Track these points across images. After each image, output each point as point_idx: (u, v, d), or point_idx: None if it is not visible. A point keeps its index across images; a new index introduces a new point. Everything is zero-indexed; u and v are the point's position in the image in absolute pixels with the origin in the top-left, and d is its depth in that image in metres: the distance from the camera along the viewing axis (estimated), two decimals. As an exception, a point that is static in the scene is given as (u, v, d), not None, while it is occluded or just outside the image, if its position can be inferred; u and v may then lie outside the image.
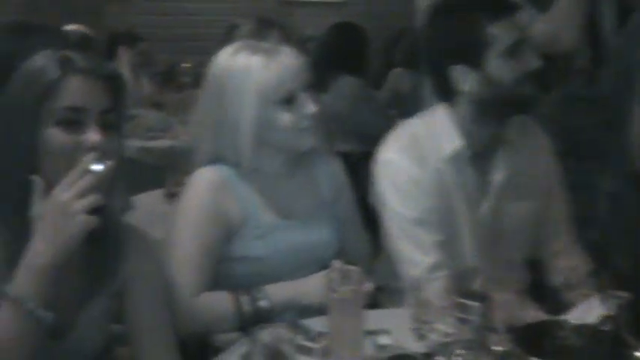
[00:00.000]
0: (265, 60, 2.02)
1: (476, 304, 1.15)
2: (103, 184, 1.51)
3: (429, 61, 2.22)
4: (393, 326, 1.86)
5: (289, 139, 2.07)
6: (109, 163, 1.51)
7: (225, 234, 2.06)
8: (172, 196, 3.22)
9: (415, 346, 1.74)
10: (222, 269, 2.07)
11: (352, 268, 1.75)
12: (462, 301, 1.16)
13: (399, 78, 5.36)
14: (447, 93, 2.19)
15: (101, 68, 1.61)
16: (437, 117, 2.23)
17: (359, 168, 4.39)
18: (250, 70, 2.01)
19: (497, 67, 2.06)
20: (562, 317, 1.68)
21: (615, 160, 3.04)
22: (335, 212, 2.25)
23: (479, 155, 2.20)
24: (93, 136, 1.54)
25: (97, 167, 1.49)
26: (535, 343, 1.48)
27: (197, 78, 5.48)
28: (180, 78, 5.97)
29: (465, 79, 2.10)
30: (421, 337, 1.75)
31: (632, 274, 2.62)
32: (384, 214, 2.20)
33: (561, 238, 2.35)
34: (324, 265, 1.99)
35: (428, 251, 2.12)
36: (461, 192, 2.19)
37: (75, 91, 1.56)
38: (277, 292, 1.98)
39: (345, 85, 4.48)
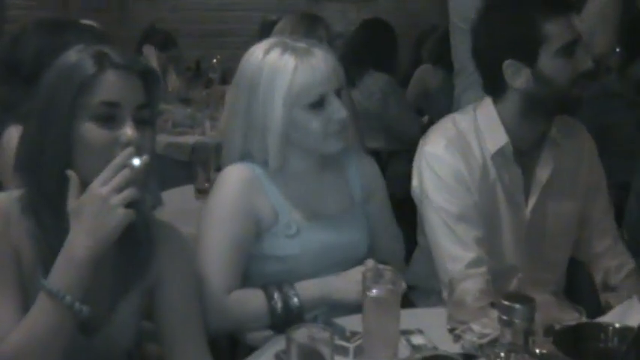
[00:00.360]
0: (298, 61, 1.98)
1: (520, 306, 1.11)
2: (139, 179, 1.51)
3: (481, 54, 2.18)
4: (428, 326, 1.85)
5: (317, 142, 2.03)
6: (145, 157, 1.51)
7: (256, 231, 2.04)
8: (202, 192, 3.25)
9: (450, 347, 1.72)
10: (253, 267, 2.06)
11: (386, 267, 1.74)
12: (506, 303, 1.12)
13: (427, 75, 5.32)
14: (496, 88, 2.16)
15: (136, 64, 1.61)
16: (482, 113, 2.21)
17: (387, 165, 4.42)
18: (282, 70, 1.97)
19: (552, 65, 2.03)
20: (603, 320, 1.65)
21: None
22: (367, 212, 2.21)
23: (523, 153, 2.18)
24: (129, 131, 1.54)
25: (135, 162, 1.49)
26: (575, 346, 1.44)
27: (225, 74, 5.64)
28: (208, 74, 5.98)
29: (517, 75, 2.07)
30: (457, 337, 1.73)
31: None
32: (425, 208, 2.18)
33: (605, 238, 2.33)
34: (355, 264, 1.99)
35: (469, 247, 2.10)
36: (504, 189, 2.17)
37: (110, 86, 1.55)
38: (309, 289, 1.97)
39: (374, 81, 4.46)
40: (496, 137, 2.15)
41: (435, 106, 4.77)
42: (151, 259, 1.69)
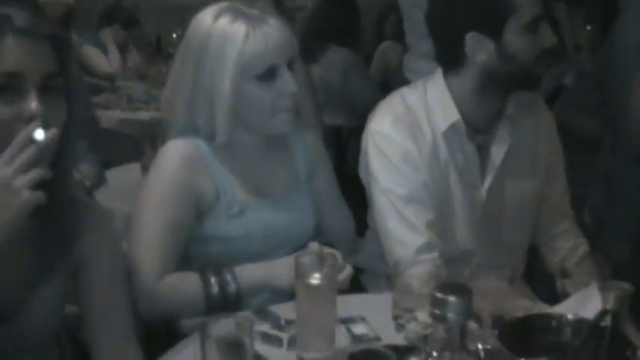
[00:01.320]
0: (250, 28, 1.84)
1: (454, 298, 0.98)
2: (47, 156, 1.36)
3: (439, 25, 2.03)
4: (373, 313, 1.73)
5: (265, 119, 1.92)
6: (53, 130, 1.36)
7: (196, 212, 1.91)
8: (148, 169, 3.11)
9: (393, 337, 1.60)
10: (195, 248, 1.93)
11: (328, 251, 1.59)
12: (439, 295, 0.99)
13: (388, 51, 5.21)
14: (452, 61, 2.02)
15: (43, 28, 1.42)
16: (432, 88, 2.07)
17: (350, 142, 4.30)
18: (232, 37, 1.84)
19: (517, 40, 1.90)
20: (555, 310, 1.52)
21: (613, 137, 2.91)
22: (312, 189, 2.11)
23: (477, 130, 2.05)
24: (33, 104, 1.37)
25: (38, 136, 1.33)
26: (523, 340, 1.32)
27: None
28: (167, 49, 5.81)
29: (479, 49, 1.94)
30: (400, 327, 1.61)
31: (630, 261, 2.50)
32: (372, 190, 2.05)
33: (561, 220, 2.22)
34: (301, 245, 1.84)
35: (418, 231, 1.97)
36: (457, 169, 2.05)
37: (11, 54, 1.37)
38: (247, 274, 1.83)
39: (336, 56, 4.33)
40: (447, 114, 2.02)
41: (398, 83, 4.65)
42: (74, 239, 1.56)
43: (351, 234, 2.23)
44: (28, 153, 1.32)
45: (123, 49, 5.82)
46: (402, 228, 1.98)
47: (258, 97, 1.87)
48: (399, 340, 1.59)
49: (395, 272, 2.00)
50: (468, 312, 0.99)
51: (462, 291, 0.99)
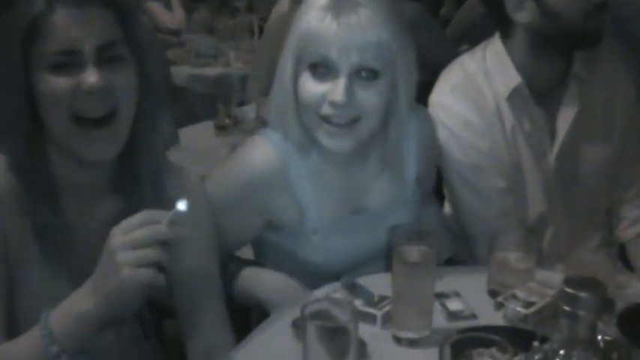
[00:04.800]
0: (330, 5, 1.57)
1: (587, 295, 0.90)
2: (170, 236, 1.23)
3: None
4: (466, 287, 1.65)
5: (313, 119, 1.62)
6: (184, 204, 1.24)
7: (267, 225, 1.76)
8: (223, 129, 3.10)
9: (491, 315, 1.53)
10: (269, 254, 1.83)
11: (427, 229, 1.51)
12: (570, 290, 0.91)
13: (474, 6, 5.00)
14: (502, 24, 1.94)
15: None
16: (491, 52, 1.98)
17: (423, 98, 4.19)
18: (300, 19, 1.61)
19: None
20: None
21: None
22: (419, 192, 1.85)
23: (544, 94, 1.95)
24: (90, 77, 1.29)
25: (182, 208, 1.23)
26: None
27: (251, 2, 5.40)
28: (234, 3, 5.73)
29: (519, 9, 1.85)
30: (499, 305, 1.53)
31: None
32: (441, 162, 1.98)
33: (629, 187, 2.12)
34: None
35: (491, 199, 1.93)
36: (525, 135, 1.96)
37: (62, 30, 1.29)
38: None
39: (403, 8, 4.18)
40: (507, 78, 1.93)
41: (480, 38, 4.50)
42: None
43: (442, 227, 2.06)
44: (147, 232, 1.21)
45: (188, 3, 5.74)
46: (474, 198, 1.94)
47: (307, 89, 1.61)
48: (497, 318, 1.52)
49: (475, 245, 1.96)
50: (601, 309, 0.91)
51: (594, 286, 0.92)
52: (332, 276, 1.67)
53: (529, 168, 1.99)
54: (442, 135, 1.94)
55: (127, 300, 1.24)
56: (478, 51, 2.03)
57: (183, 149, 2.91)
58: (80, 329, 1.24)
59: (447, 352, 1.08)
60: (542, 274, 1.64)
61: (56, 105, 1.30)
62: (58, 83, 1.29)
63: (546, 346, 0.96)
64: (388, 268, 1.55)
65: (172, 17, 5.51)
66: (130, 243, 1.20)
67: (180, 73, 4.42)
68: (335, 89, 1.56)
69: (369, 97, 1.59)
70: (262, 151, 1.69)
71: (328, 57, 1.55)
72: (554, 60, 1.93)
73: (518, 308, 1.48)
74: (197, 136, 3.11)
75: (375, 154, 1.76)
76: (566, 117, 1.96)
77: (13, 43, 1.29)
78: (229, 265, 1.73)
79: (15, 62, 1.29)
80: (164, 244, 1.21)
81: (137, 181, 1.42)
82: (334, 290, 1.60)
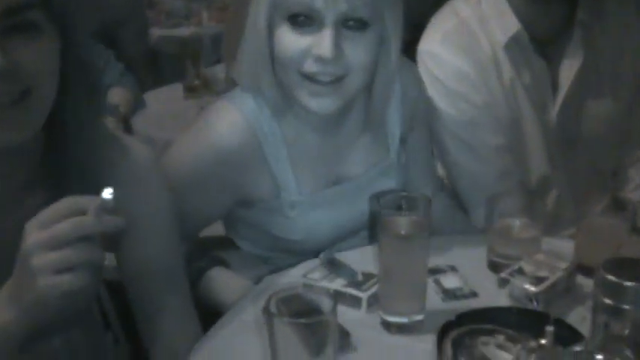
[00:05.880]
0: None
1: (633, 285, 0.69)
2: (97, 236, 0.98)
3: None
4: (463, 260, 1.46)
5: (293, 78, 1.42)
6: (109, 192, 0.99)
7: (240, 202, 1.56)
8: (192, 90, 2.98)
9: (494, 293, 1.33)
10: (242, 231, 1.64)
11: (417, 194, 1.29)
12: (610, 277, 0.70)
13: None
14: None
15: None
16: None
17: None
18: None
19: None
20: None
21: None
22: (404, 154, 1.67)
23: (545, 42, 1.78)
24: None
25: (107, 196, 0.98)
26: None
27: None
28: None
29: None
30: (503, 282, 1.33)
31: None
32: (432, 119, 1.79)
33: (636, 147, 1.95)
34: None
35: (489, 158, 1.78)
36: (524, 87, 1.80)
37: None
38: None
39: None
40: (505, 24, 1.75)
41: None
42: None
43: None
44: (66, 226, 0.95)
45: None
46: (470, 158, 1.78)
47: (285, 43, 1.40)
48: (500, 297, 1.31)
49: (473, 213, 1.79)
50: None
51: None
52: (312, 254, 1.48)
53: (529, 124, 1.82)
54: (432, 89, 1.76)
55: (51, 310, 0.99)
56: None
57: (151, 114, 2.74)
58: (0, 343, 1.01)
59: (448, 348, 0.87)
60: (549, 243, 1.45)
61: None
62: None
63: (577, 349, 0.75)
64: (372, 239, 1.36)
65: None
66: (46, 241, 0.95)
67: (151, 35, 4.25)
68: (321, 42, 1.35)
69: (358, 52, 1.39)
70: (229, 121, 1.48)
71: (312, 5, 1.35)
72: (554, 5, 1.75)
73: (526, 285, 1.26)
74: (165, 99, 2.96)
75: (355, 116, 1.58)
76: (569, 68, 1.79)
77: None
78: (199, 262, 1.53)
79: None
80: (91, 239, 0.96)
81: (65, 171, 1.17)
82: (311, 269, 1.39)
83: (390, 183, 1.61)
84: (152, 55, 4.00)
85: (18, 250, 1.00)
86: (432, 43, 1.80)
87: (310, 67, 1.38)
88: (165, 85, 3.19)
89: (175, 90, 2.97)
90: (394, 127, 1.62)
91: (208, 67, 3.06)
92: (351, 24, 1.37)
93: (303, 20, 1.37)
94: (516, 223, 1.44)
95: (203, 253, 1.55)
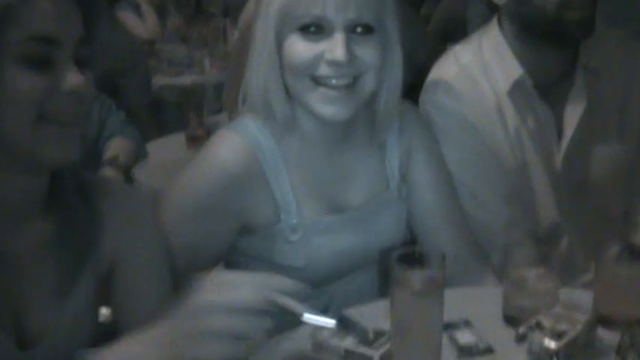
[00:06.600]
0: None
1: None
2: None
3: None
4: (478, 314, 1.40)
5: (306, 85, 1.46)
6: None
7: (241, 229, 1.55)
8: (195, 139, 2.92)
9: (512, 349, 1.28)
10: (238, 264, 1.61)
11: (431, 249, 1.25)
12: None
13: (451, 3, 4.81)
14: (490, 6, 1.77)
15: None
16: (488, 41, 1.79)
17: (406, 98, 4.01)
18: None
19: None
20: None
21: None
22: (405, 190, 1.65)
23: (548, 87, 1.76)
24: (73, 77, 1.12)
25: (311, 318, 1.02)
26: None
27: (227, 7, 5.22)
28: (208, 9, 5.64)
29: None
30: (521, 337, 1.27)
31: None
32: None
33: None
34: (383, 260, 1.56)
35: (496, 208, 1.74)
36: (530, 134, 1.77)
37: (43, 15, 1.11)
38: None
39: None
40: (508, 69, 1.74)
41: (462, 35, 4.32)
42: (100, 233, 1.27)
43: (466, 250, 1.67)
44: (255, 297, 0.97)
45: (161, 11, 5.55)
46: (477, 208, 1.73)
47: (298, 51, 1.44)
48: (518, 353, 1.26)
49: (491, 258, 1.70)
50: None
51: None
52: (315, 283, 1.44)
53: (536, 170, 1.79)
54: (436, 138, 1.73)
55: None
56: (473, 40, 1.83)
57: (153, 163, 2.71)
58: None
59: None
60: (565, 293, 1.39)
61: (23, 104, 1.10)
62: (30, 80, 1.09)
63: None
64: (382, 292, 1.35)
65: (145, 27, 5.30)
66: (229, 305, 0.96)
67: (154, 83, 4.23)
68: (334, 47, 1.42)
69: (369, 52, 1.45)
70: (229, 144, 1.52)
71: (323, 15, 1.42)
72: (557, 48, 1.73)
73: (546, 341, 1.21)
74: (167, 148, 2.93)
75: (358, 140, 1.61)
76: (573, 113, 1.77)
77: None
78: None
79: None
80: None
81: (67, 198, 1.24)
82: (319, 328, 1.34)
83: (391, 215, 1.61)
84: (154, 103, 3.99)
85: (29, 273, 1.11)
86: (435, 91, 1.78)
87: (324, 71, 1.43)
88: (168, 134, 3.18)
89: (178, 140, 2.95)
90: (393, 157, 1.63)
91: (211, 116, 3.04)
92: (358, 30, 1.43)
93: (313, 30, 1.43)
94: (532, 273, 1.39)
95: None
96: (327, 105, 1.45)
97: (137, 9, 5.33)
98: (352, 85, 1.45)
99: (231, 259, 1.62)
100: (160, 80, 4.26)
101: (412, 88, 1.78)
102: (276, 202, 1.52)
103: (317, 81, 1.44)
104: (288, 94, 1.50)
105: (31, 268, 1.15)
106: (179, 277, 1.42)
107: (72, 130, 1.16)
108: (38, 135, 1.13)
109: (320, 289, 1.55)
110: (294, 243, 1.52)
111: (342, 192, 1.59)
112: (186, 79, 4.21)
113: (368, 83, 1.47)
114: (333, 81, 1.43)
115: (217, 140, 1.54)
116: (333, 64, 1.42)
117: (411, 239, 1.67)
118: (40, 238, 1.20)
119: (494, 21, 1.80)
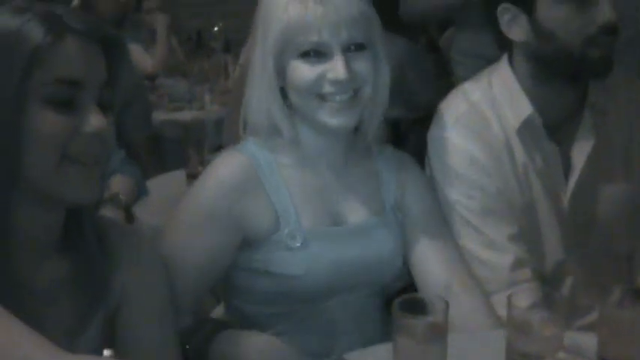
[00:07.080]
0: (299, 4, 1.55)
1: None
2: None
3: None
4: (479, 359, 1.40)
5: (311, 104, 1.60)
6: None
7: (243, 241, 1.63)
8: (195, 177, 2.84)
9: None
10: (239, 279, 1.66)
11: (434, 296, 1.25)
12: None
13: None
14: (501, 43, 1.78)
15: (98, 29, 1.24)
16: (497, 78, 1.80)
17: (409, 137, 4.02)
18: (272, 17, 1.59)
19: (552, 12, 1.63)
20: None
21: None
22: (399, 218, 1.72)
23: (556, 126, 1.77)
24: (96, 119, 1.19)
25: None
26: None
27: (228, 42, 5.24)
28: (209, 44, 5.57)
29: (513, 24, 1.69)
30: (525, 385, 1.26)
31: None
32: (443, 206, 1.76)
33: None
34: (382, 286, 1.68)
35: (502, 248, 1.72)
36: (537, 172, 1.77)
37: (70, 59, 1.18)
38: None
39: (392, 45, 4.01)
40: (517, 107, 1.74)
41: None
42: (109, 273, 1.32)
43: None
44: None
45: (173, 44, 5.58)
46: (484, 248, 1.73)
47: (302, 74, 1.58)
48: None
49: (491, 299, 1.69)
50: None
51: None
52: (315, 296, 1.61)
53: (543, 209, 1.79)
54: (440, 174, 1.76)
55: None
56: (482, 77, 1.84)
57: (153, 201, 2.71)
58: None
59: None
60: (569, 338, 1.38)
61: (47, 144, 1.17)
62: (55, 120, 1.17)
63: None
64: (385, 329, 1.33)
65: (152, 62, 5.30)
66: None
67: (154, 118, 4.25)
68: (335, 68, 1.56)
69: (364, 66, 1.59)
70: (229, 162, 1.65)
71: (320, 41, 1.56)
72: (567, 87, 1.74)
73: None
74: (168, 186, 2.92)
75: (355, 165, 1.73)
76: (580, 152, 1.77)
77: (10, 75, 1.15)
78: (203, 326, 1.56)
79: (9, 95, 1.15)
80: None
81: (82, 235, 1.29)
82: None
83: (389, 233, 1.68)
84: (154, 139, 3.99)
85: (46, 311, 1.17)
86: (443, 128, 1.78)
87: (328, 89, 1.57)
88: (168, 171, 3.18)
89: (178, 177, 2.95)
90: (389, 190, 1.72)
91: (211, 153, 3.03)
92: (352, 48, 1.57)
93: (313, 54, 1.56)
94: (536, 317, 1.38)
95: (201, 324, 1.57)
96: (334, 117, 1.58)
97: (143, 42, 5.34)
98: (354, 97, 1.58)
99: (232, 274, 1.67)
100: (160, 115, 4.26)
101: (420, 123, 1.81)
102: (275, 211, 1.61)
103: (323, 98, 1.57)
104: (290, 112, 1.63)
105: (46, 307, 1.20)
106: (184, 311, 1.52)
107: (94, 170, 1.22)
108: (61, 174, 1.19)
109: (320, 305, 1.62)
110: (293, 250, 1.59)
111: (341, 208, 1.68)
112: (187, 115, 4.21)
113: (366, 92, 1.60)
114: (337, 97, 1.57)
115: (218, 160, 1.66)
116: (335, 82, 1.55)
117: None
118: (56, 276, 1.25)
119: (504, 58, 1.81)
